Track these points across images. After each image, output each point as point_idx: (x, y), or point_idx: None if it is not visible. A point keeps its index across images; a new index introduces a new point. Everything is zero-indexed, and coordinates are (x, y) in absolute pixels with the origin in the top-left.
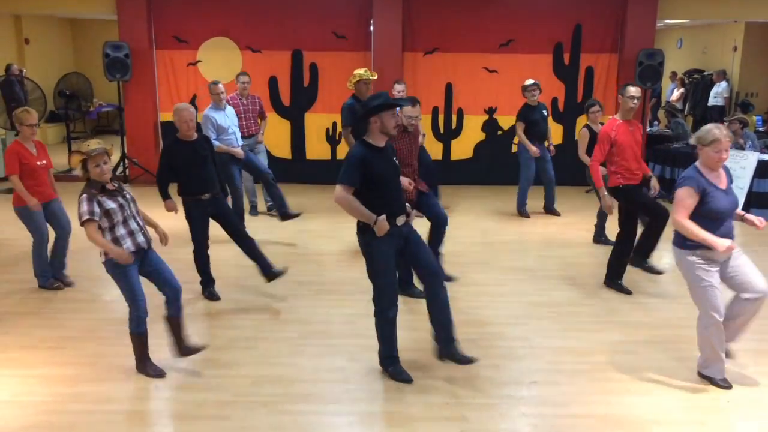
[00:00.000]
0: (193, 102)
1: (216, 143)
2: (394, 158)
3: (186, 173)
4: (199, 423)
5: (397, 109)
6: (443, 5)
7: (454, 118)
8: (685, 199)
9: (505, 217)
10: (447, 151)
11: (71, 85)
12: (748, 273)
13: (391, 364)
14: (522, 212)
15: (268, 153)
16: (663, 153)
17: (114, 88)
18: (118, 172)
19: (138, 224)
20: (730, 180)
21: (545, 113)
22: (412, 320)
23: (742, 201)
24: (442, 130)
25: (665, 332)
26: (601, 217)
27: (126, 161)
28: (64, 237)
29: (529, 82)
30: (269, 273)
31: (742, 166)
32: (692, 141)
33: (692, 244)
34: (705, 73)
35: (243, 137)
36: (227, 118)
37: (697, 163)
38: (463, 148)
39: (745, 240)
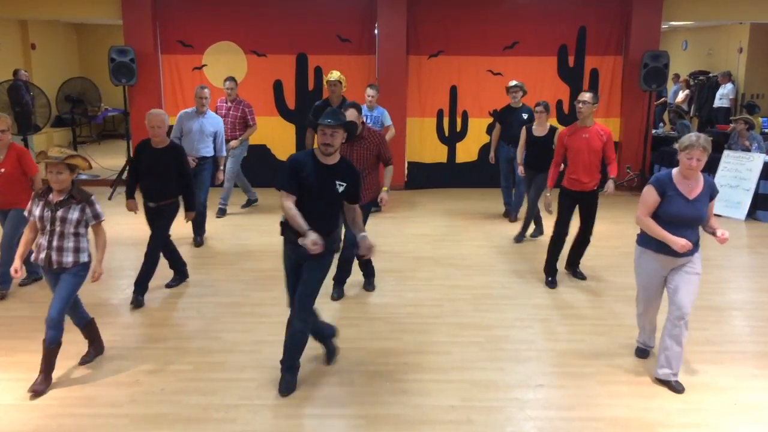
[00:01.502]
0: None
1: (177, 141)
2: (341, 183)
3: (144, 178)
4: (205, 426)
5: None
6: (447, 8)
7: (458, 121)
8: (645, 197)
9: (508, 223)
10: (452, 153)
11: (75, 89)
12: (681, 287)
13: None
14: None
15: (274, 156)
16: (668, 154)
17: (120, 93)
18: (124, 177)
19: (48, 243)
20: (709, 194)
21: (525, 117)
22: (416, 323)
23: (748, 203)
24: (447, 133)
25: None
26: (529, 214)
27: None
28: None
29: (512, 83)
30: (136, 297)
31: (748, 168)
32: (675, 145)
33: (644, 239)
34: (710, 74)
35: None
36: (198, 124)
37: (675, 168)
38: (467, 150)
39: (750, 242)
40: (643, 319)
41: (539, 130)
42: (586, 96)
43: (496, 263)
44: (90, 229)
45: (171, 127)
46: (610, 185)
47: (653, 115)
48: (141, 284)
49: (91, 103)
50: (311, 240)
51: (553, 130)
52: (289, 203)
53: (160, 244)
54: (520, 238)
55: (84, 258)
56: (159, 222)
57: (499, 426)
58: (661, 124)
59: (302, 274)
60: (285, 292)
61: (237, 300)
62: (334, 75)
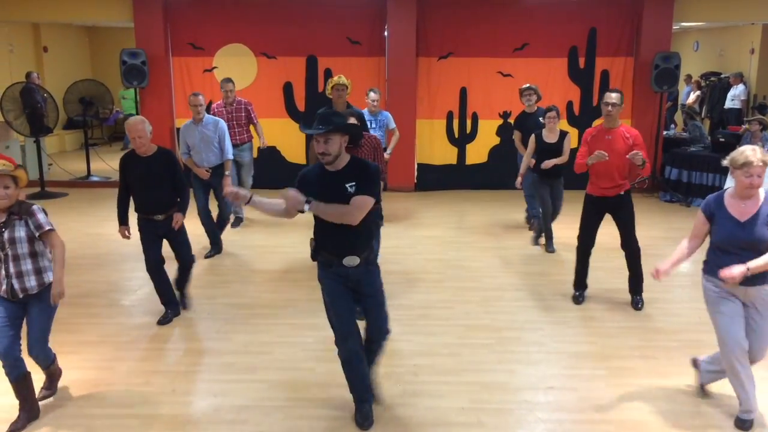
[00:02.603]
0: (208, 109)
1: (185, 157)
2: (351, 184)
3: (138, 192)
4: (216, 427)
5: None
6: (457, 10)
7: (468, 122)
8: (695, 220)
9: (519, 221)
10: (462, 155)
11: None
12: (760, 336)
13: (356, 404)
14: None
15: (284, 158)
16: (680, 156)
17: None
18: None
19: (6, 272)
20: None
21: (542, 121)
22: (426, 325)
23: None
24: (456, 135)
25: (684, 336)
26: (547, 224)
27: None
28: None
29: (525, 86)
30: (172, 308)
31: None
32: (725, 162)
33: (706, 267)
34: (722, 75)
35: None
36: (198, 134)
37: (729, 188)
38: (477, 152)
39: None
40: (738, 377)
41: (550, 136)
42: (614, 97)
43: (506, 265)
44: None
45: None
46: (636, 156)
47: (664, 116)
48: (178, 295)
49: (102, 105)
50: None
51: (563, 135)
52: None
53: (190, 257)
54: (537, 241)
55: (49, 278)
56: (179, 236)
57: (509, 428)
58: (673, 126)
59: (365, 298)
60: (335, 321)
61: (248, 302)
62: (341, 79)
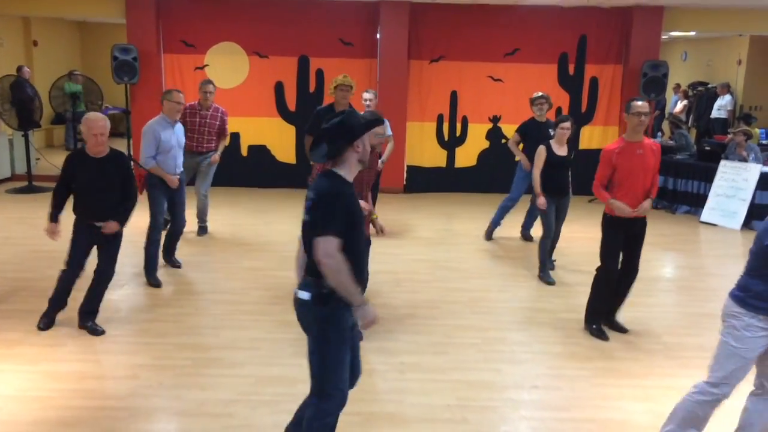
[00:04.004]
0: None
1: (152, 162)
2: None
3: (85, 195)
4: (203, 420)
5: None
6: (449, 14)
7: (458, 126)
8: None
9: (507, 224)
10: (451, 158)
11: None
12: None
13: None
14: (489, 234)
15: (274, 157)
16: (666, 164)
17: (121, 91)
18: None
19: None
20: None
21: (552, 133)
22: (413, 324)
23: (744, 212)
24: (446, 138)
25: (666, 339)
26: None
27: (132, 164)
28: None
29: (537, 94)
30: (84, 321)
31: (744, 178)
32: None
33: (755, 304)
34: (709, 85)
35: (193, 153)
36: (174, 136)
37: None
38: (467, 155)
39: (746, 251)
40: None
41: (561, 149)
42: (645, 105)
43: (493, 267)
44: None
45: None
46: (646, 205)
47: (652, 124)
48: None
49: (91, 100)
50: (372, 316)
51: (573, 147)
52: (340, 257)
53: (112, 272)
54: (547, 275)
55: None
56: (111, 249)
57: (493, 425)
58: (660, 134)
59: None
60: (345, 374)
61: (235, 298)
62: (346, 79)
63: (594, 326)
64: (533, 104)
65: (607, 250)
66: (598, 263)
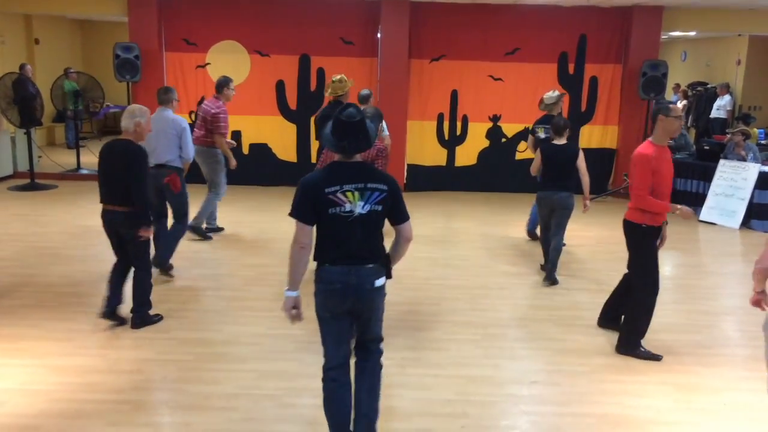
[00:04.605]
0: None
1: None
2: None
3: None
4: (206, 414)
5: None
6: (450, 13)
7: (458, 125)
8: None
9: (507, 222)
10: (451, 157)
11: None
12: None
13: None
14: (532, 234)
15: (275, 155)
16: None
17: (122, 89)
18: None
19: None
20: None
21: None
22: (414, 321)
23: (742, 212)
24: (446, 137)
25: (663, 336)
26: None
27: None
28: None
29: (555, 94)
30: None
31: (743, 177)
32: None
33: None
34: (708, 85)
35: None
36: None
37: None
38: (467, 154)
39: (744, 250)
40: None
41: (559, 138)
42: (678, 108)
43: (493, 264)
44: None
45: None
46: (687, 209)
47: (651, 123)
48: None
49: (93, 99)
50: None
51: (573, 141)
52: None
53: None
54: (551, 278)
55: None
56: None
57: (493, 419)
58: None
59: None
60: (325, 345)
61: (238, 294)
62: (348, 83)
63: (642, 349)
64: (556, 105)
65: (651, 262)
66: (598, 262)
